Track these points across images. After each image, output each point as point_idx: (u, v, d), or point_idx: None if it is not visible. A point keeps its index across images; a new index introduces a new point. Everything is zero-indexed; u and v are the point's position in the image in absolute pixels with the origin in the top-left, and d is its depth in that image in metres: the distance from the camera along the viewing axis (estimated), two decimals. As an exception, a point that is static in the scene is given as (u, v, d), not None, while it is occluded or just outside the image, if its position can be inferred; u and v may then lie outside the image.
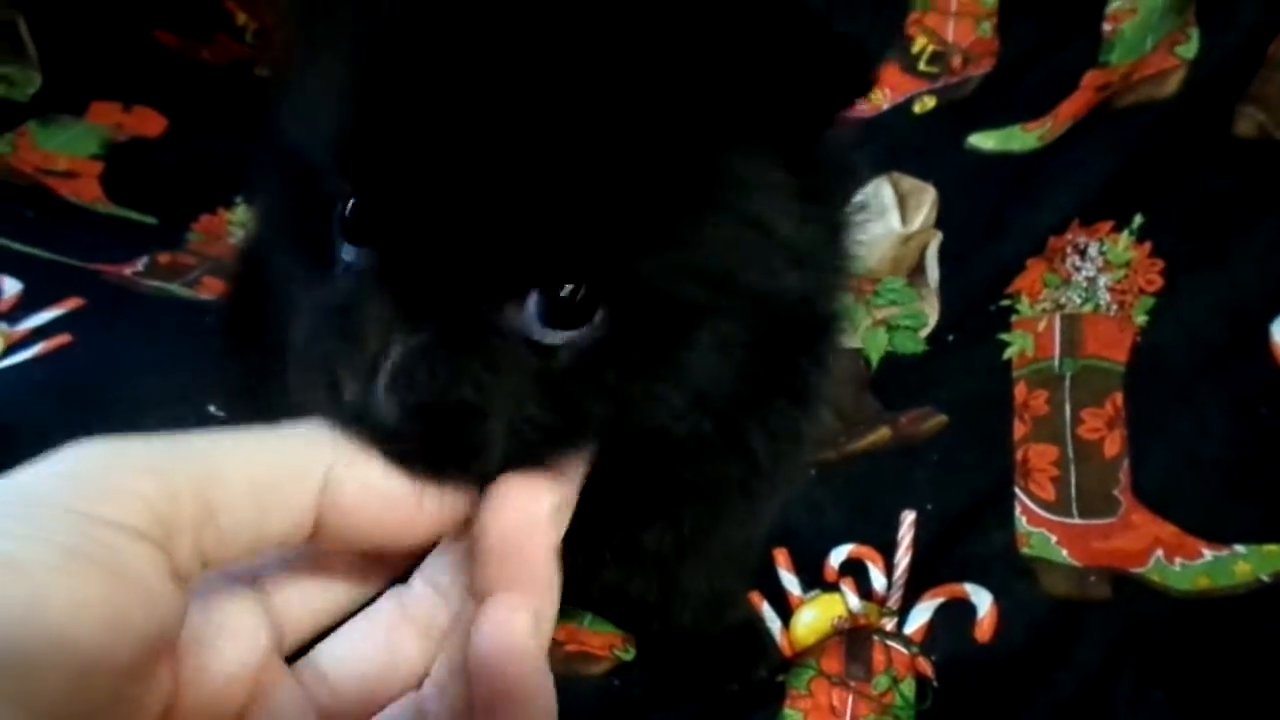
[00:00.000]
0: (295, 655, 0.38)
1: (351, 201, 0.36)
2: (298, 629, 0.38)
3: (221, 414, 0.75)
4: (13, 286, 0.91)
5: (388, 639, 0.39)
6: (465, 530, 0.37)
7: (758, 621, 0.76)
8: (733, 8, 0.33)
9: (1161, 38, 0.90)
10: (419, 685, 0.39)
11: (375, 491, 0.34)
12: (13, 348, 0.83)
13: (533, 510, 0.35)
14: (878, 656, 0.74)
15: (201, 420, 0.74)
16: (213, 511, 0.30)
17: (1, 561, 0.26)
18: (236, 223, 1.13)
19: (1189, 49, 0.88)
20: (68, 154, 1.18)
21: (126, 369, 0.76)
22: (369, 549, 0.36)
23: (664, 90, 0.33)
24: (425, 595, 0.40)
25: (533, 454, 0.36)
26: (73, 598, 0.26)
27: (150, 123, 1.22)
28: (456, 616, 0.39)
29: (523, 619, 0.34)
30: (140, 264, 1.01)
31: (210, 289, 0.98)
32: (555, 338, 0.35)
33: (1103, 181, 0.88)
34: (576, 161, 0.32)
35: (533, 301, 0.34)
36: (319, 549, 0.37)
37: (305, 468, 0.33)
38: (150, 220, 1.11)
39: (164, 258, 1.03)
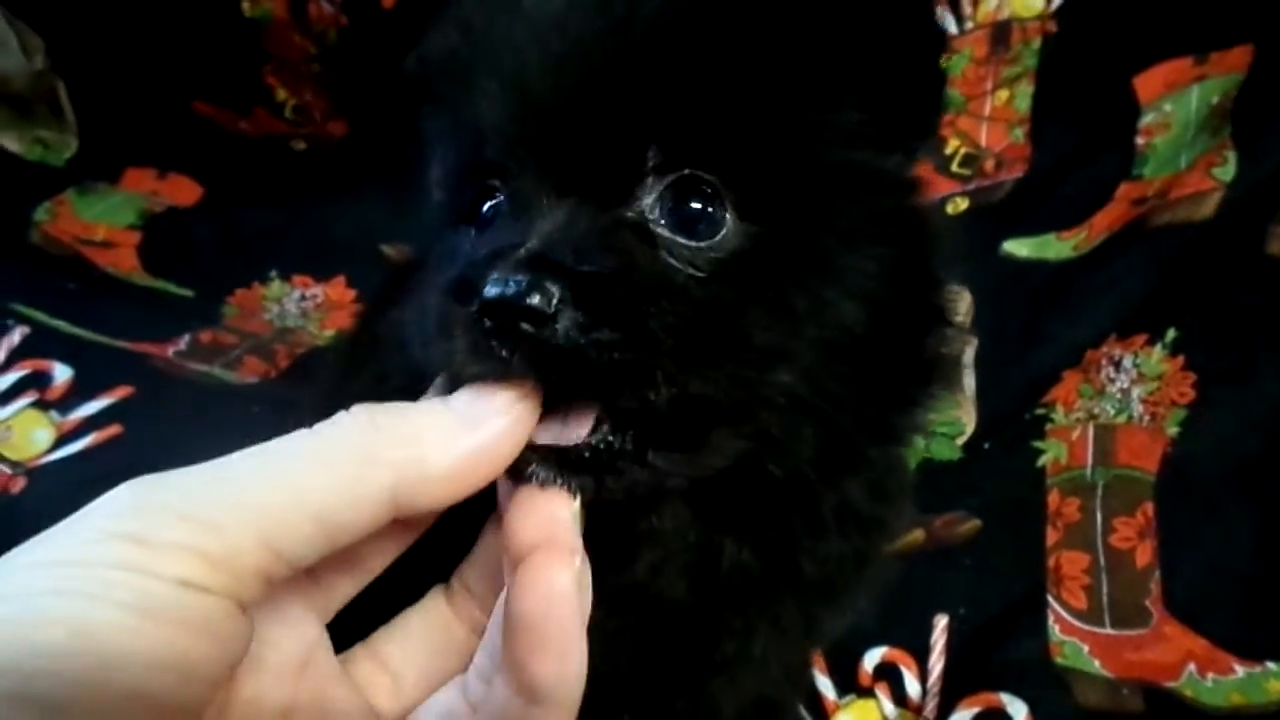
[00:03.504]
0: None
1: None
2: (337, 603, 0.40)
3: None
4: (63, 373, 0.93)
5: (445, 631, 0.41)
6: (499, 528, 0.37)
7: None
8: None
9: (1197, 156, 0.93)
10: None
11: (453, 472, 0.34)
12: (64, 438, 0.84)
13: (559, 584, 0.34)
14: (914, 767, 0.75)
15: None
16: (279, 553, 0.32)
17: (74, 626, 0.28)
18: (271, 297, 1.15)
19: (1226, 171, 0.91)
20: (106, 223, 1.20)
21: (179, 463, 0.77)
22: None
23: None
24: (464, 594, 0.42)
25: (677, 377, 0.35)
26: (144, 658, 0.28)
27: (185, 191, 1.24)
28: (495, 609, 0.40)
29: (565, 575, 0.34)
30: (183, 343, 1.03)
31: (251, 369, 0.99)
32: (688, 244, 0.37)
33: (1139, 298, 0.91)
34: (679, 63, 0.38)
35: (661, 198, 0.38)
36: None
37: (368, 490, 0.33)
38: (188, 293, 1.13)
39: (205, 336, 1.05)
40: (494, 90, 0.40)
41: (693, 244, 0.38)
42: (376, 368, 0.58)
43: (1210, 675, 0.78)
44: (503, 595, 0.38)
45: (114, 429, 0.86)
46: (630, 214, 0.38)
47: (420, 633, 0.42)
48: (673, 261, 0.37)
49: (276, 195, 1.22)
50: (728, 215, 0.38)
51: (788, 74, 0.39)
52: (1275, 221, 0.88)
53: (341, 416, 0.34)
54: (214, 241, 1.19)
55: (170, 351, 1.01)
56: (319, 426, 0.34)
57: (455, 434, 0.34)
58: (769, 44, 0.39)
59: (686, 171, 0.38)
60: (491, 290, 0.33)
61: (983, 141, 1.03)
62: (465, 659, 0.40)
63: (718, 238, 0.38)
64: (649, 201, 0.38)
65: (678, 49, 0.38)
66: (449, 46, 0.44)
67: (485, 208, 0.42)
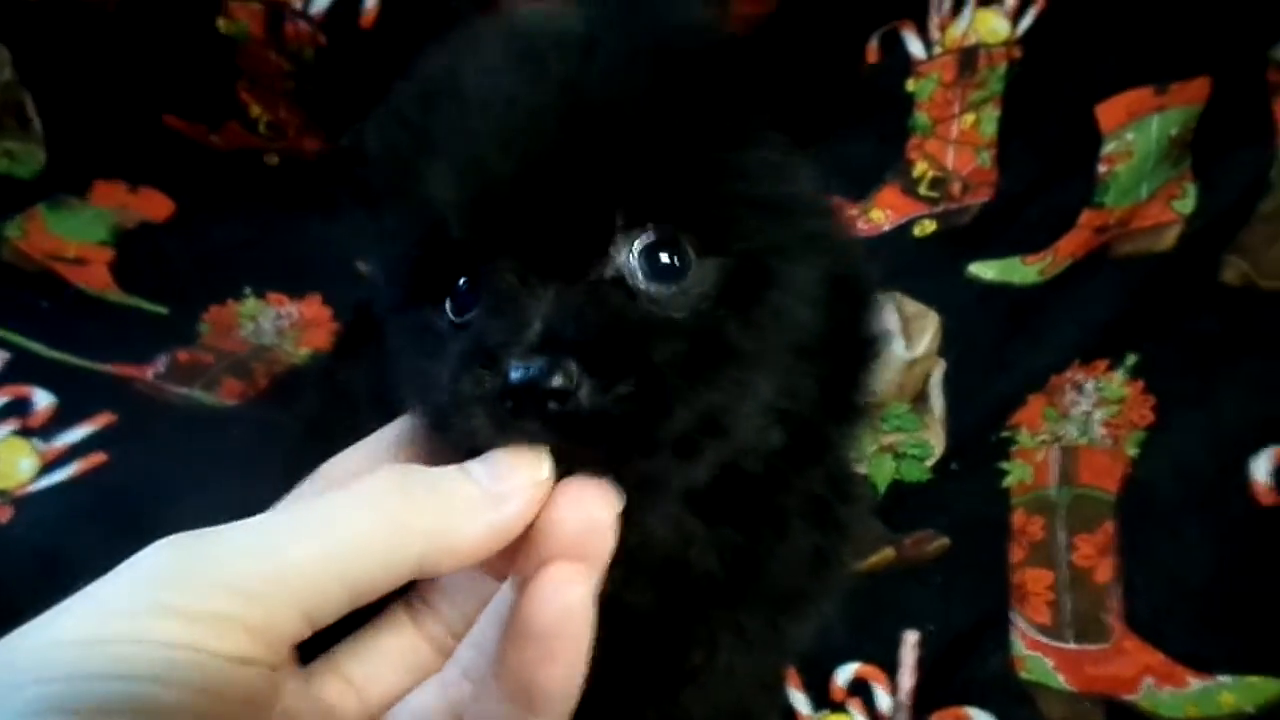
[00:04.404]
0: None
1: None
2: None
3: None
4: (44, 399, 0.92)
5: (413, 650, 0.43)
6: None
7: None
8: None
9: (1157, 187, 0.96)
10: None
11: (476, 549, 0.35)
12: (49, 467, 0.84)
13: (579, 597, 0.35)
14: (890, 783, 0.77)
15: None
16: (311, 620, 0.33)
17: (149, 708, 0.29)
18: (246, 314, 1.15)
19: (1186, 204, 0.94)
20: (77, 240, 1.19)
21: (165, 490, 0.78)
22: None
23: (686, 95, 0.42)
24: (426, 610, 0.43)
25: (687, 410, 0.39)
26: None
27: (157, 205, 1.23)
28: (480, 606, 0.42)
29: (586, 588, 0.35)
30: (161, 364, 1.03)
31: (230, 390, 1.00)
32: (664, 289, 0.41)
33: (1102, 324, 0.94)
34: (623, 137, 0.40)
35: (633, 256, 0.40)
36: None
37: (400, 558, 0.34)
38: (162, 310, 1.12)
39: (183, 356, 1.05)
40: (449, 175, 0.41)
41: (669, 289, 0.41)
42: (352, 422, 0.59)
43: (1167, 688, 0.82)
44: (497, 597, 0.40)
45: (98, 457, 0.85)
46: (608, 274, 0.41)
47: (386, 650, 0.43)
48: (655, 309, 0.41)
49: (249, 210, 1.21)
50: (690, 255, 0.41)
51: (718, 119, 0.43)
52: (1229, 250, 0.92)
53: (375, 480, 0.35)
54: (187, 257, 1.18)
55: (150, 374, 1.01)
56: (355, 488, 0.35)
57: (483, 508, 0.35)
58: (701, 96, 0.42)
59: (651, 226, 0.41)
60: (516, 374, 0.36)
61: (950, 164, 1.05)
62: (430, 674, 0.42)
63: (688, 279, 0.41)
64: (622, 260, 0.41)
65: (625, 111, 0.41)
66: (389, 141, 0.45)
67: (459, 284, 0.43)
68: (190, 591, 0.31)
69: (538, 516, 0.36)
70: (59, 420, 0.90)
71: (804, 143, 0.47)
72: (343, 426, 0.62)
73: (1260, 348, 0.90)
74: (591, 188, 0.40)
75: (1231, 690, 0.80)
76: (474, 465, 0.37)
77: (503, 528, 0.35)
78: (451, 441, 0.39)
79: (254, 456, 0.82)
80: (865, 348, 0.50)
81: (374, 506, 0.34)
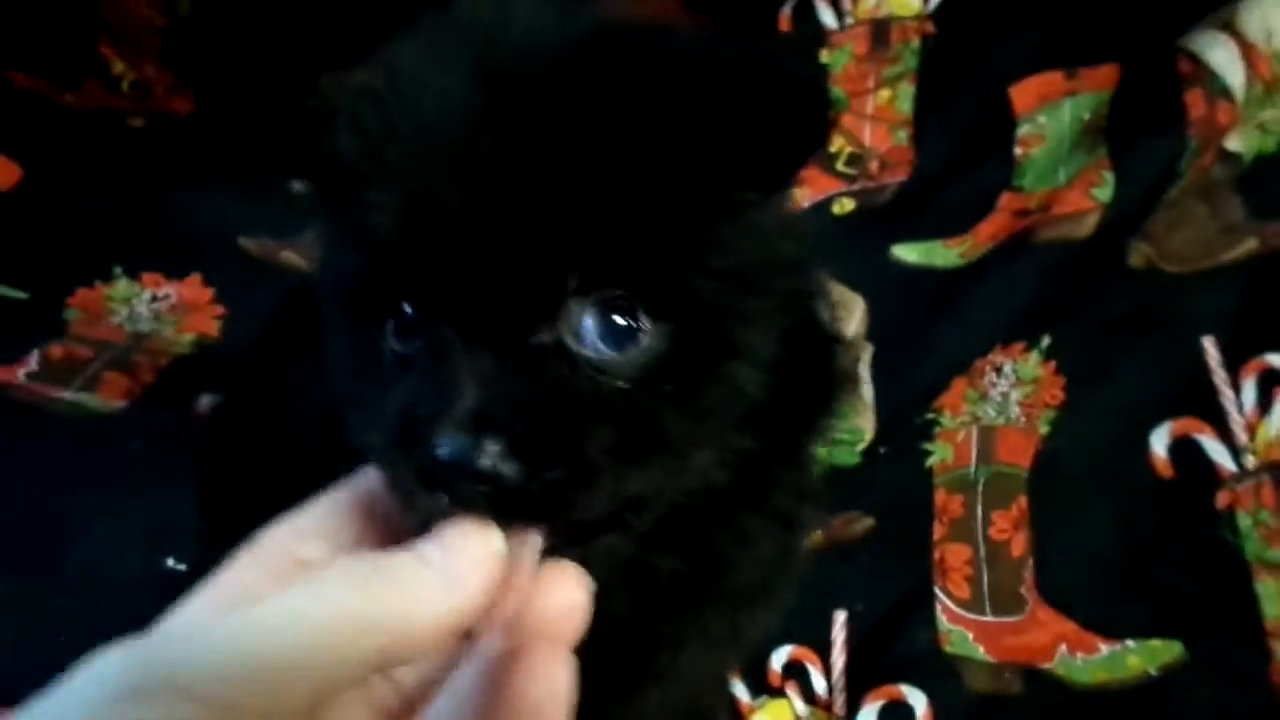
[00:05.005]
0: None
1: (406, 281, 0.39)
2: None
3: (182, 567, 0.71)
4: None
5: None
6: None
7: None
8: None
9: (1074, 173, 0.99)
10: None
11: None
12: None
13: (564, 676, 0.37)
14: (835, 768, 0.80)
15: (166, 578, 0.69)
16: None
17: None
18: (118, 298, 1.04)
19: (1105, 192, 0.97)
20: (-93, 215, 1.04)
21: (66, 525, 0.70)
22: None
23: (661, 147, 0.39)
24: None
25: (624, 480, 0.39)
26: None
27: (1, 172, 1.09)
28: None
29: (568, 667, 0.37)
30: (33, 361, 0.92)
31: (113, 388, 0.91)
32: (609, 354, 0.39)
33: (1021, 308, 0.96)
34: (572, 192, 0.37)
35: (584, 318, 0.38)
36: None
37: (363, 655, 0.33)
38: (21, 295, 1.01)
39: (56, 351, 0.94)
40: (395, 204, 0.38)
41: (616, 356, 0.39)
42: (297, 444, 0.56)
43: (1079, 655, 0.87)
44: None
45: None
46: (551, 340, 0.38)
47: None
48: (597, 378, 0.39)
49: (111, 179, 1.10)
50: (643, 320, 0.39)
51: (680, 175, 0.39)
52: (1136, 236, 0.96)
53: (333, 576, 0.34)
54: (42, 232, 1.06)
55: (20, 374, 0.90)
56: (310, 587, 0.34)
57: (440, 596, 0.35)
58: (664, 150, 0.39)
59: (603, 291, 0.39)
60: (441, 451, 0.35)
61: (866, 141, 1.05)
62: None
63: (640, 345, 0.39)
64: (569, 324, 0.39)
65: (586, 166, 0.38)
66: (346, 145, 0.41)
67: (405, 309, 0.41)
68: (153, 705, 0.30)
69: (518, 602, 0.37)
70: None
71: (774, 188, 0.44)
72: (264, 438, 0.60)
73: (1161, 328, 0.95)
74: (549, 243, 0.37)
75: (1136, 654, 0.86)
76: (427, 547, 0.36)
77: (463, 609, 0.35)
78: (395, 489, 0.39)
79: (161, 470, 0.76)
80: (827, 388, 0.50)
81: (337, 606, 0.33)
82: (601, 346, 0.39)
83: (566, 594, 0.38)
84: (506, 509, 0.36)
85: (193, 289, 1.06)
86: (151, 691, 0.30)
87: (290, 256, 1.07)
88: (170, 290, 1.06)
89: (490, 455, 0.35)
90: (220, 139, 1.08)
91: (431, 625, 0.34)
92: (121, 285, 1.05)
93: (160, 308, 1.04)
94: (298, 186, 0.99)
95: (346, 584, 0.34)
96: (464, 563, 0.36)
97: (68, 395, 0.88)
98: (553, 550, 0.38)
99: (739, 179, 0.41)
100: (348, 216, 0.41)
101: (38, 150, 1.10)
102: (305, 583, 0.34)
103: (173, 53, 1.03)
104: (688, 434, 0.40)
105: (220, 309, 1.05)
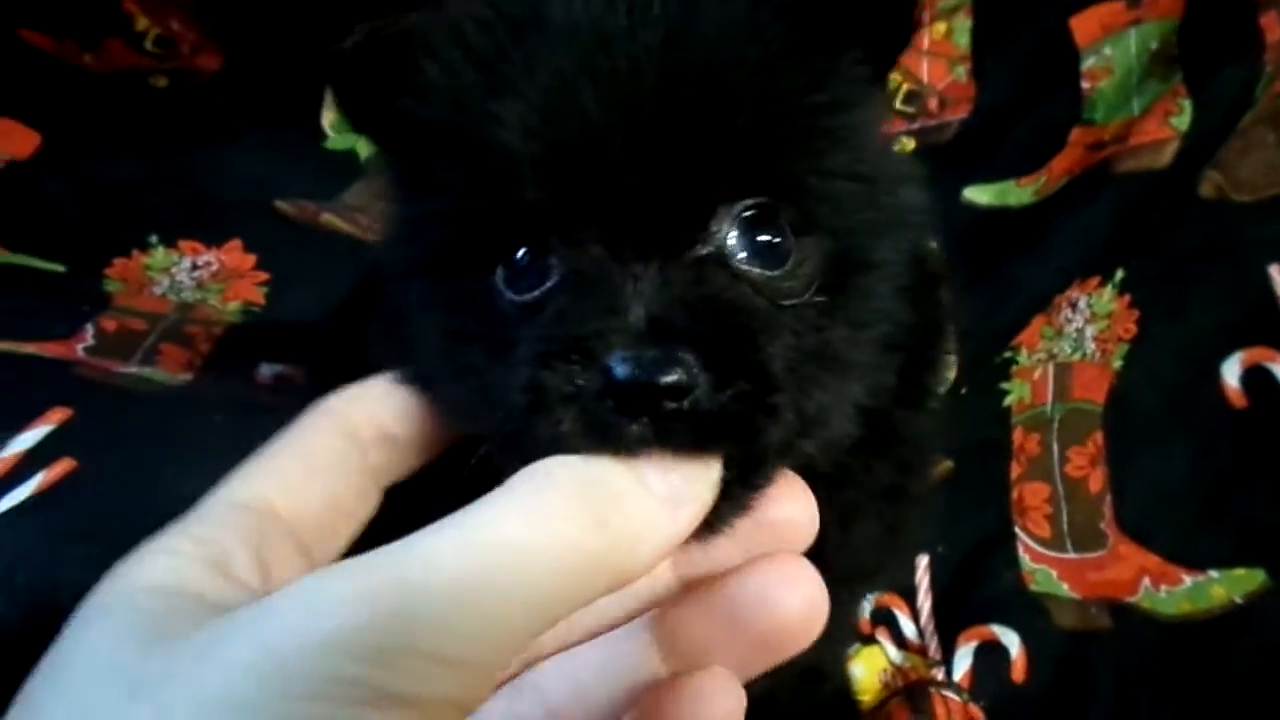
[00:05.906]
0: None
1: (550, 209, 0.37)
2: None
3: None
4: (-23, 398, 0.76)
5: None
6: None
7: (850, 693, 0.80)
8: None
9: (1149, 103, 0.98)
10: None
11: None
12: (6, 482, 0.69)
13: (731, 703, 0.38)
14: (939, 709, 0.80)
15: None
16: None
17: None
18: (156, 268, 1.00)
19: (1182, 120, 0.96)
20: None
21: (158, 500, 0.67)
22: None
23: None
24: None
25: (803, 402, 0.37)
26: None
27: (19, 140, 1.04)
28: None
29: (738, 696, 0.38)
30: (88, 335, 0.88)
31: (173, 360, 0.87)
32: (766, 273, 0.38)
33: (1100, 241, 0.95)
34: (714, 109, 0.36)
35: (734, 233, 0.37)
36: None
37: (591, 594, 0.32)
38: (58, 268, 0.96)
39: (108, 324, 0.90)
40: (530, 118, 0.35)
41: (769, 273, 0.38)
42: None
43: (1163, 587, 0.87)
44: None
45: (66, 464, 0.71)
46: (708, 251, 0.37)
47: None
48: (759, 295, 0.37)
49: (135, 142, 1.05)
50: (790, 235, 0.38)
51: (811, 78, 0.38)
52: (1208, 165, 0.95)
53: (553, 493, 0.31)
54: (70, 202, 1.01)
55: (79, 349, 0.86)
56: (531, 502, 0.31)
57: (660, 522, 0.33)
58: (796, 50, 0.38)
59: (751, 200, 0.37)
60: (623, 370, 0.32)
61: (925, 78, 1.03)
62: None
63: (789, 264, 0.38)
64: (723, 236, 0.37)
65: (734, 65, 0.36)
66: (447, 70, 0.38)
67: (518, 255, 0.38)
68: (396, 666, 0.27)
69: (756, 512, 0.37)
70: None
71: (885, 65, 0.44)
72: None
73: (1229, 257, 0.95)
74: (697, 150, 0.35)
75: (1221, 584, 0.86)
76: (650, 474, 0.33)
77: (676, 539, 0.33)
78: (521, 450, 0.34)
79: (245, 449, 0.73)
80: (938, 333, 0.49)
81: (567, 540, 0.31)
82: (756, 265, 0.37)
83: (798, 505, 0.38)
84: (693, 434, 0.33)
85: (233, 256, 1.02)
86: (396, 649, 0.27)
87: (331, 219, 1.04)
88: (210, 258, 1.02)
89: (683, 368, 0.32)
90: (249, 98, 1.04)
91: (646, 559, 0.32)
92: (159, 254, 1.01)
93: (202, 275, 1.00)
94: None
95: (577, 514, 0.31)
96: (686, 492, 0.33)
97: (132, 370, 0.85)
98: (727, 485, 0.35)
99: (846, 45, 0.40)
100: (449, 154, 0.38)
101: (55, 115, 1.04)
102: (517, 501, 0.31)
103: (202, 5, 0.98)
104: (848, 351, 0.39)
105: (264, 275, 1.01)
